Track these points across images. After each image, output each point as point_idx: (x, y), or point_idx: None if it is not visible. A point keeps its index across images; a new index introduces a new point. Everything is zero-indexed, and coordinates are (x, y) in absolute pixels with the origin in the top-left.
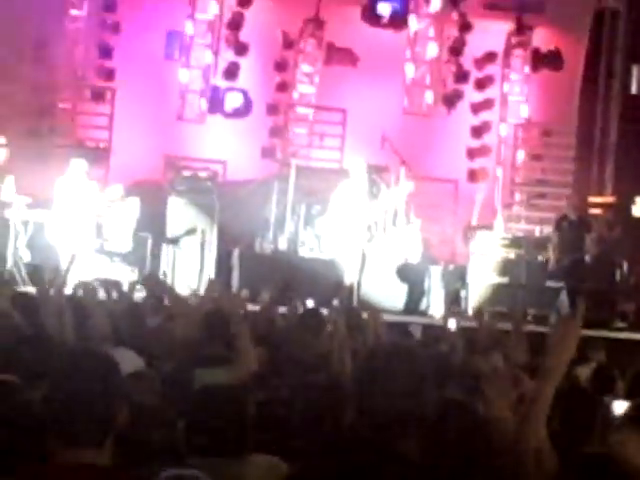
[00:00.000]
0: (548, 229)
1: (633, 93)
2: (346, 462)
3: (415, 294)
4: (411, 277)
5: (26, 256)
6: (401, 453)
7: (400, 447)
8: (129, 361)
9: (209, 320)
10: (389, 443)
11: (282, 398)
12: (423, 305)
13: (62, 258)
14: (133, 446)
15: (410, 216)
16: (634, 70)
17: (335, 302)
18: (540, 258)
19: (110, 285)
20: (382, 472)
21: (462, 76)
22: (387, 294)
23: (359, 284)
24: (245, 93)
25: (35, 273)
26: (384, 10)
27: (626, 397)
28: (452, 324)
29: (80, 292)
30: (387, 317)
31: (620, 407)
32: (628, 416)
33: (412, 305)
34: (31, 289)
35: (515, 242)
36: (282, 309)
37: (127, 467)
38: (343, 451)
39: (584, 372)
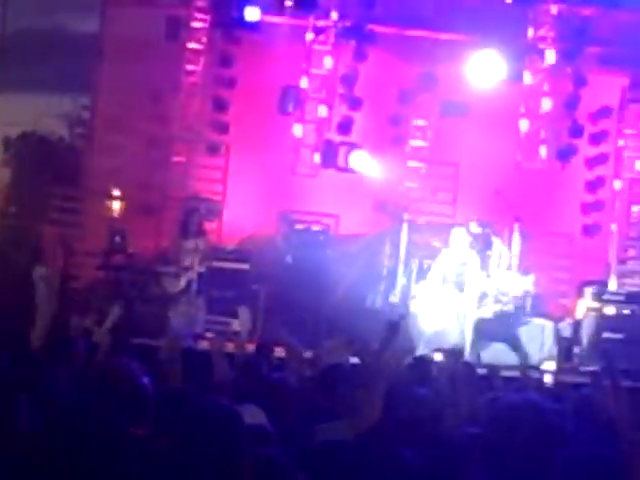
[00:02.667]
0: None
1: None
2: None
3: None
4: (497, 329)
5: None
6: None
7: None
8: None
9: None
10: None
11: (397, 455)
12: (535, 360)
13: None
14: None
15: (524, 270)
16: None
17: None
18: None
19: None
20: None
21: (577, 131)
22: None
23: (473, 340)
24: (358, 147)
25: None
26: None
27: None
28: (549, 379)
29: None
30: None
31: None
32: None
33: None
34: None
35: (630, 298)
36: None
37: None
38: None
39: None
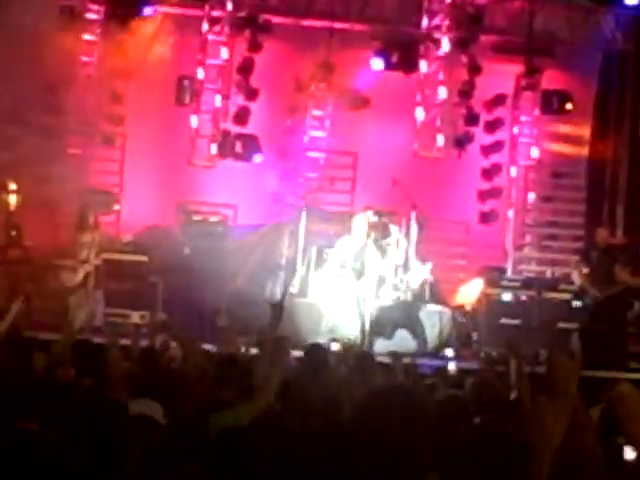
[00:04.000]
0: (559, 270)
1: None
2: None
3: (388, 333)
4: (396, 317)
5: None
6: None
7: None
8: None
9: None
10: None
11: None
12: (434, 346)
13: None
14: None
15: (420, 258)
16: None
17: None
18: (553, 299)
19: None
20: None
21: (472, 119)
22: (400, 337)
23: (372, 327)
24: (255, 137)
25: None
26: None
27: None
28: (452, 366)
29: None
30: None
31: (630, 453)
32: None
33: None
34: None
35: (526, 284)
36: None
37: None
38: None
39: (595, 414)
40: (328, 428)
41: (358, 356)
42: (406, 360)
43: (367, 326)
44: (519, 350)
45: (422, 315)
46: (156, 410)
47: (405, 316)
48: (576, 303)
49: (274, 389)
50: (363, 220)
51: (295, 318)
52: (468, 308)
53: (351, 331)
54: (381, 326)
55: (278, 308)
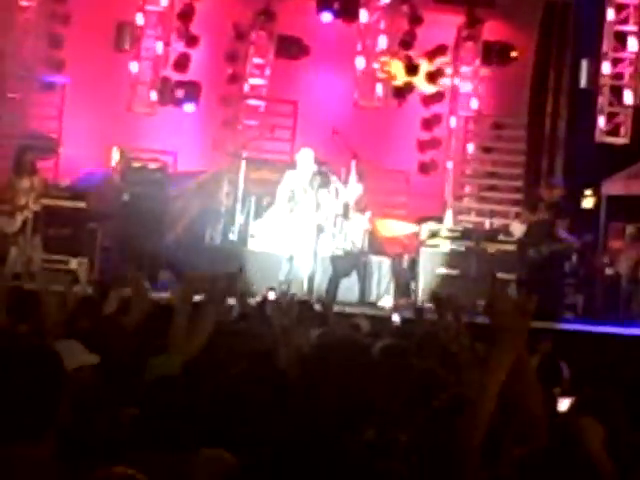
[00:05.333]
0: (498, 221)
1: (582, 87)
2: (292, 454)
3: (332, 283)
4: (337, 267)
5: None
6: (348, 445)
7: (348, 439)
8: (79, 354)
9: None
10: (337, 435)
11: (227, 390)
12: (373, 296)
13: None
14: (75, 440)
15: (360, 208)
16: (583, 64)
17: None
18: (491, 250)
19: None
20: (329, 463)
21: (412, 69)
22: (341, 286)
23: (312, 276)
24: (196, 85)
25: None
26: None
27: (570, 391)
28: (396, 317)
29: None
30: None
31: (564, 404)
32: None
33: (330, 294)
34: None
35: (465, 234)
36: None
37: (68, 460)
38: (289, 443)
39: (532, 363)
40: (266, 375)
41: (296, 305)
42: (348, 309)
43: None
44: (456, 300)
45: (362, 265)
46: (89, 356)
47: (352, 266)
48: (531, 252)
49: (203, 339)
50: (309, 154)
51: (250, 269)
52: (407, 258)
53: (305, 280)
54: (337, 275)
55: (234, 278)
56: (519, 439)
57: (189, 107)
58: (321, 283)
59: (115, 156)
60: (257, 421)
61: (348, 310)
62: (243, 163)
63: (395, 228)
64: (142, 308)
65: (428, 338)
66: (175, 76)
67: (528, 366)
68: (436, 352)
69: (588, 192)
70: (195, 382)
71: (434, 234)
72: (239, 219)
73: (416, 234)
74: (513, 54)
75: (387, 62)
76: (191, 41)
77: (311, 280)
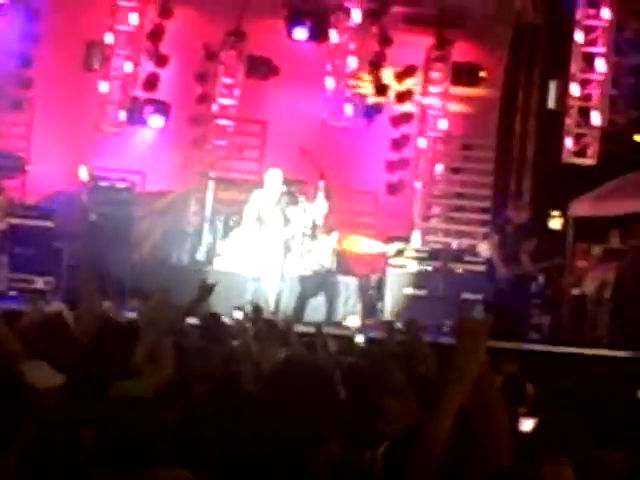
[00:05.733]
0: (466, 242)
1: (550, 108)
2: (251, 473)
3: (299, 303)
4: (304, 287)
5: None
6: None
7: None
8: (45, 374)
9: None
10: (297, 454)
11: (190, 410)
12: (340, 316)
13: None
14: (36, 460)
15: (328, 228)
16: (551, 85)
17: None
18: (458, 270)
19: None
20: None
21: (382, 89)
22: (308, 306)
23: (279, 297)
24: (165, 104)
25: None
26: (305, 25)
27: (535, 412)
28: (360, 338)
29: None
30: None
31: (527, 425)
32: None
33: (297, 314)
34: None
35: (433, 254)
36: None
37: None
38: (248, 462)
39: (497, 383)
40: (229, 398)
41: (264, 324)
42: (313, 330)
43: (273, 293)
44: (418, 322)
45: (330, 285)
46: (53, 376)
47: (320, 286)
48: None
49: (171, 360)
50: (277, 175)
51: (217, 289)
52: (375, 278)
53: (272, 300)
54: (304, 295)
55: (207, 290)
56: (483, 458)
57: (156, 121)
58: (288, 303)
59: (83, 175)
60: (218, 440)
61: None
62: (211, 183)
63: (364, 245)
64: (94, 316)
65: (391, 358)
66: (144, 96)
67: (491, 385)
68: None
69: (555, 213)
70: (159, 402)
71: (399, 252)
72: (207, 239)
73: (384, 254)
74: (482, 74)
75: (359, 81)
76: (161, 61)
77: (278, 300)
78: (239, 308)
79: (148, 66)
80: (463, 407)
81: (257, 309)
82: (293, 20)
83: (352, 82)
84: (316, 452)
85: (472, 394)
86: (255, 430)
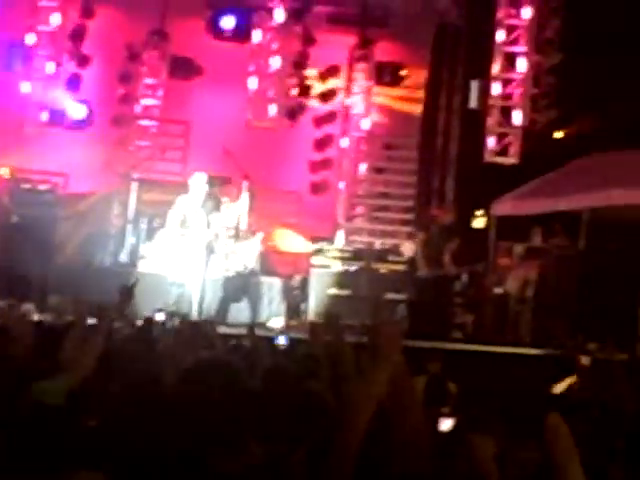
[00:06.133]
0: (389, 242)
1: (472, 107)
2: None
3: (223, 304)
4: (228, 289)
5: None
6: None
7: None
8: None
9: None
10: (216, 458)
11: (109, 412)
12: (264, 317)
13: None
14: None
15: (252, 229)
16: (473, 85)
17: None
18: (382, 270)
19: None
20: None
21: (305, 89)
22: (232, 308)
23: (202, 298)
24: (87, 105)
25: None
26: (227, 24)
27: (455, 411)
28: (282, 340)
29: None
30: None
31: (446, 425)
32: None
33: (221, 315)
34: None
35: (356, 254)
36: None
37: None
38: (167, 467)
39: (419, 383)
40: (149, 399)
41: (186, 326)
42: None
43: (196, 295)
44: (339, 321)
45: (254, 286)
46: None
47: (244, 287)
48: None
49: (91, 362)
50: (202, 178)
51: (140, 291)
52: (299, 279)
53: (195, 302)
54: (228, 296)
55: (126, 294)
56: (402, 456)
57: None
58: (211, 305)
59: (4, 177)
60: (136, 443)
61: (237, 331)
62: (134, 184)
63: (290, 241)
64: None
65: (313, 358)
66: (66, 96)
67: (408, 385)
68: (320, 372)
69: (479, 212)
70: (77, 404)
71: (319, 251)
72: (130, 240)
73: (307, 254)
74: (405, 73)
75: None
76: (83, 61)
77: (201, 302)
78: (162, 310)
79: (70, 67)
80: (380, 407)
81: (178, 311)
82: (216, 20)
83: (275, 82)
84: (236, 454)
85: (388, 394)
86: (173, 432)
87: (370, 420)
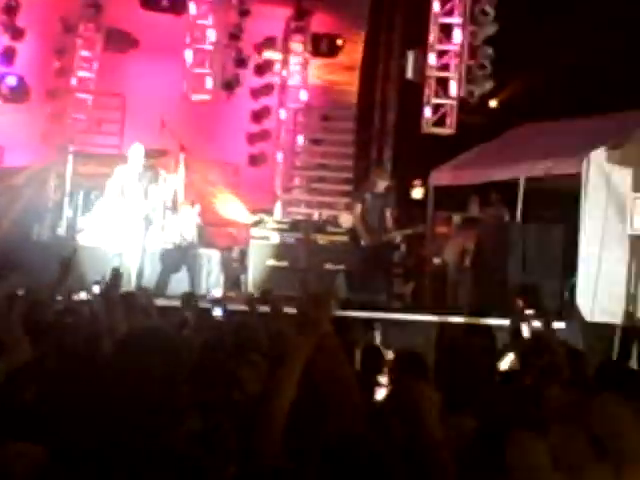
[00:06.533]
0: (328, 213)
1: (409, 78)
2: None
3: (162, 276)
4: (167, 261)
5: None
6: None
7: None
8: None
9: None
10: (149, 429)
11: (43, 385)
12: (203, 289)
13: None
14: None
15: (188, 201)
16: (410, 55)
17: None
18: (320, 241)
19: None
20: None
21: (241, 61)
22: (171, 279)
23: (141, 271)
24: (22, 78)
25: None
26: None
27: (392, 381)
28: (218, 312)
29: None
30: (165, 302)
31: (381, 393)
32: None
33: (160, 288)
34: None
35: (294, 226)
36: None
37: None
38: (105, 440)
39: (357, 353)
40: (86, 371)
41: (121, 296)
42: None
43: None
44: (274, 292)
45: (193, 258)
46: None
47: (182, 259)
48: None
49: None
50: (139, 149)
51: (78, 264)
52: (238, 250)
53: (134, 273)
54: (166, 269)
55: (66, 266)
56: (335, 424)
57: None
58: (150, 277)
59: None
60: (74, 417)
61: (175, 303)
62: (71, 157)
63: (233, 210)
64: None
65: (246, 330)
66: (1, 70)
67: (337, 354)
68: (253, 344)
69: (417, 182)
70: (14, 380)
71: (257, 223)
72: (67, 214)
73: (246, 226)
74: (341, 44)
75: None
76: (17, 34)
77: (140, 274)
78: (98, 282)
79: (4, 40)
80: (310, 375)
81: (113, 280)
82: None
83: (211, 54)
84: (176, 424)
85: (318, 363)
86: (110, 403)
87: (298, 385)
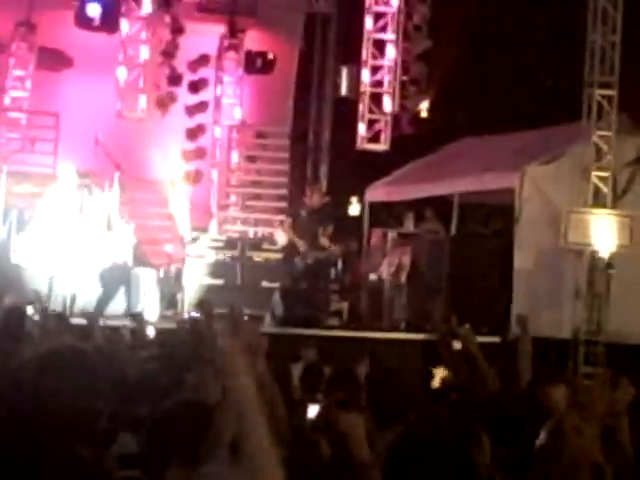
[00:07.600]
0: (264, 230)
1: (343, 95)
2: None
3: (103, 297)
4: (105, 281)
5: None
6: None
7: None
8: None
9: None
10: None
11: None
12: (139, 308)
13: None
14: None
15: (124, 220)
16: (343, 72)
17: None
18: (256, 259)
19: None
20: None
21: (175, 79)
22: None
23: (76, 291)
24: None
25: None
26: (94, 11)
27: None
28: (151, 331)
29: None
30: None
31: (313, 411)
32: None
33: (99, 308)
34: None
35: (230, 244)
36: None
37: None
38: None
39: (297, 370)
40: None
41: (52, 317)
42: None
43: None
44: (210, 309)
45: (128, 277)
46: None
47: (119, 279)
48: (296, 262)
49: None
50: (70, 168)
51: (12, 284)
52: (173, 269)
53: (68, 295)
54: (103, 289)
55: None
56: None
57: None
58: (86, 297)
59: None
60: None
61: (112, 323)
62: (4, 177)
63: (169, 228)
64: None
65: (182, 347)
66: None
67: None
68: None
69: (354, 199)
70: None
71: (193, 240)
72: (1, 234)
73: (182, 245)
74: (275, 61)
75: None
76: None
77: (74, 295)
78: (32, 303)
79: None
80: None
81: (39, 302)
82: (83, 9)
83: (145, 72)
84: (107, 444)
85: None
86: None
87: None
